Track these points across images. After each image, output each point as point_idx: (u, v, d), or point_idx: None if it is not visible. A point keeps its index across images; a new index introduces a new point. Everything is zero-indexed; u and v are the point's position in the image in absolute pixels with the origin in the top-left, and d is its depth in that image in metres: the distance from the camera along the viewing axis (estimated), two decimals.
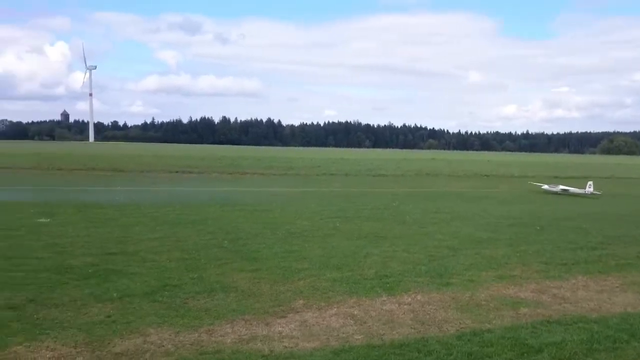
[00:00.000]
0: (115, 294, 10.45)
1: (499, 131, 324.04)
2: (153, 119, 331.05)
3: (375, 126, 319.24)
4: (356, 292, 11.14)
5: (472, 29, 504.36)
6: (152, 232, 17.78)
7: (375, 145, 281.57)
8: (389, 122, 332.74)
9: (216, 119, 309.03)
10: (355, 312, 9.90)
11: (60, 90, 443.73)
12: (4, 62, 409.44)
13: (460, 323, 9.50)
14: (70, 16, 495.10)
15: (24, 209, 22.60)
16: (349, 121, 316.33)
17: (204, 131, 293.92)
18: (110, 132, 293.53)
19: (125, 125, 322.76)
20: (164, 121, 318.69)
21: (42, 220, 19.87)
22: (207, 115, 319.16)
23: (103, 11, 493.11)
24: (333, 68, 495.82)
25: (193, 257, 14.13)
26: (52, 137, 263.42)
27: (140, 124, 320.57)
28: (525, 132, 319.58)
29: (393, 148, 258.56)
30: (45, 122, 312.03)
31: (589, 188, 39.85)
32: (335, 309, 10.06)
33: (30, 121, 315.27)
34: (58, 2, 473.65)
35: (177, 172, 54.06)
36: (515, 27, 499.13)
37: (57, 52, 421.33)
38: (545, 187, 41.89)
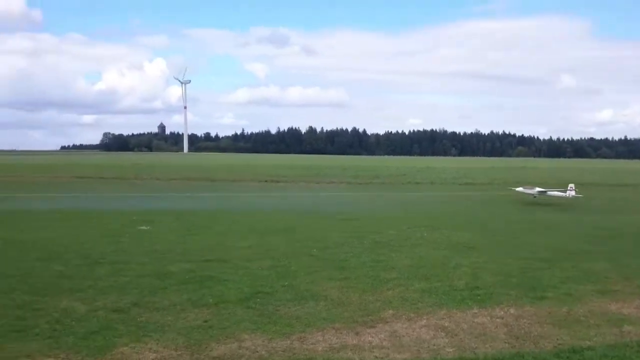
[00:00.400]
0: (211, 300, 10.90)
1: (594, 137, 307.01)
2: (243, 129, 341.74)
3: (462, 134, 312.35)
4: (446, 304, 10.99)
5: (564, 32, 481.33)
6: (244, 240, 18.35)
7: (462, 153, 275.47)
8: (476, 129, 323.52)
9: (303, 129, 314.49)
10: (446, 324, 9.77)
11: (157, 104, 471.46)
12: (108, 78, 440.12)
13: (557, 339, 9.14)
14: (167, 34, 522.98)
15: (127, 217, 24.04)
16: (434, 129, 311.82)
17: (291, 141, 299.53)
18: (203, 143, 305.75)
19: (217, 136, 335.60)
20: (253, 132, 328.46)
21: (143, 227, 21.04)
22: (295, 125, 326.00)
23: (198, 28, 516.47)
24: (419, 76, 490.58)
25: (283, 264, 14.45)
26: (149, 149, 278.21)
27: (230, 134, 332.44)
28: (623, 137, 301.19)
29: (480, 156, 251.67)
30: (143, 134, 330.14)
31: (571, 191, 37.01)
32: (425, 320, 9.98)
33: (130, 133, 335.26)
34: (157, 21, 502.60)
35: (266, 181, 55.37)
36: (609, 27, 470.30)
37: (155, 68, 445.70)
38: (520, 189, 38.83)
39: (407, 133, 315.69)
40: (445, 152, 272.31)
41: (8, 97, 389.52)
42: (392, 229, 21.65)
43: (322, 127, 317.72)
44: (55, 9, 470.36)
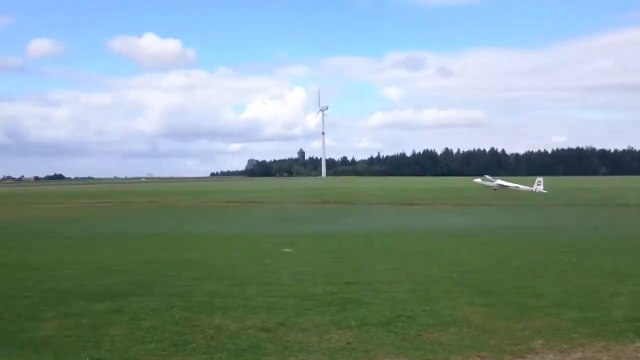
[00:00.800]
0: (353, 322, 11.04)
1: None
2: (378, 153, 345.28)
3: (612, 151, 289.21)
4: (603, 336, 10.18)
5: None
6: (383, 263, 18.40)
7: (613, 172, 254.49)
8: (629, 145, 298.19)
9: (439, 151, 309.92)
10: (604, 358, 9.06)
11: (297, 131, 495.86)
12: (253, 109, 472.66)
13: None
14: (307, 64, 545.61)
15: (271, 240, 25.16)
16: (580, 147, 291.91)
17: (426, 163, 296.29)
18: (340, 167, 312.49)
19: (353, 160, 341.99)
20: (389, 155, 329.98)
21: (286, 250, 21.88)
22: (430, 147, 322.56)
23: (335, 56, 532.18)
24: (563, 91, 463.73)
25: (423, 289, 14.27)
26: (290, 174, 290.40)
27: (366, 158, 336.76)
28: None
29: (635, 175, 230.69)
30: (284, 160, 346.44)
31: (538, 185, 32.05)
32: (579, 353, 9.33)
33: (272, 159, 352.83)
34: (297, 52, 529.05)
35: (403, 204, 55.17)
36: None
37: (295, 97, 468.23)
38: (478, 180, 34.28)
39: (549, 152, 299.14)
40: (593, 171, 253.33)
41: (167, 129, 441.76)
42: (537, 254, 20.57)
43: (458, 148, 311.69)
44: (207, 47, 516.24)
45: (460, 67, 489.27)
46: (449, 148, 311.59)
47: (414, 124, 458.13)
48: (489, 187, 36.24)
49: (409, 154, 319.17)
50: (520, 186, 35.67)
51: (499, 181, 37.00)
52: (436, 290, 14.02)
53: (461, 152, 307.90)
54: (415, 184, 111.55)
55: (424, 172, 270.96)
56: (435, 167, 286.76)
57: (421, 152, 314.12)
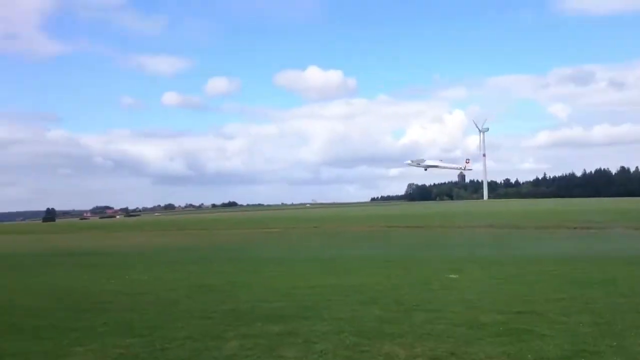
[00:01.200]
0: (529, 356, 10.40)
1: None
2: (544, 174, 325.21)
3: None
4: None
5: None
6: (556, 292, 17.21)
7: None
8: None
9: (613, 170, 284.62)
10: None
11: (456, 153, 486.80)
12: (412, 133, 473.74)
13: None
14: (465, 85, 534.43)
15: (435, 265, 24.81)
16: None
17: (599, 183, 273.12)
18: (503, 190, 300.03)
19: (517, 182, 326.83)
20: (556, 175, 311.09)
21: (452, 276, 21.35)
22: (603, 166, 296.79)
23: (496, 76, 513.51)
24: None
25: (607, 321, 13.06)
26: (450, 197, 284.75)
27: (531, 179, 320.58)
28: None
29: None
30: (444, 183, 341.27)
31: (467, 163, 24.34)
32: None
33: (432, 183, 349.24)
34: (455, 75, 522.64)
35: (574, 227, 51.40)
36: None
37: (455, 119, 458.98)
38: (408, 162, 26.82)
39: None
40: None
41: (329, 156, 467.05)
42: None
43: (636, 167, 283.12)
44: (366, 75, 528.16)
45: (634, 78, 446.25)
46: (626, 166, 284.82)
47: (583, 141, 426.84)
48: (419, 167, 34.27)
49: (579, 173, 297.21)
50: (450, 165, 33.23)
51: (428, 162, 34.92)
52: (622, 324, 12.76)
53: None
54: (587, 205, 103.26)
55: (596, 193, 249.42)
56: (610, 187, 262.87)
57: (593, 172, 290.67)
